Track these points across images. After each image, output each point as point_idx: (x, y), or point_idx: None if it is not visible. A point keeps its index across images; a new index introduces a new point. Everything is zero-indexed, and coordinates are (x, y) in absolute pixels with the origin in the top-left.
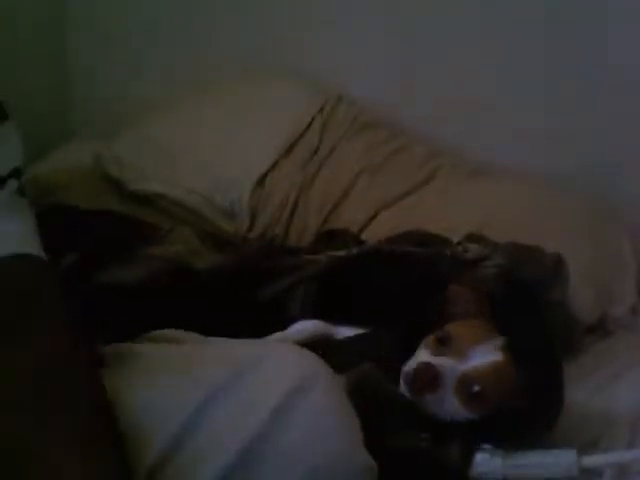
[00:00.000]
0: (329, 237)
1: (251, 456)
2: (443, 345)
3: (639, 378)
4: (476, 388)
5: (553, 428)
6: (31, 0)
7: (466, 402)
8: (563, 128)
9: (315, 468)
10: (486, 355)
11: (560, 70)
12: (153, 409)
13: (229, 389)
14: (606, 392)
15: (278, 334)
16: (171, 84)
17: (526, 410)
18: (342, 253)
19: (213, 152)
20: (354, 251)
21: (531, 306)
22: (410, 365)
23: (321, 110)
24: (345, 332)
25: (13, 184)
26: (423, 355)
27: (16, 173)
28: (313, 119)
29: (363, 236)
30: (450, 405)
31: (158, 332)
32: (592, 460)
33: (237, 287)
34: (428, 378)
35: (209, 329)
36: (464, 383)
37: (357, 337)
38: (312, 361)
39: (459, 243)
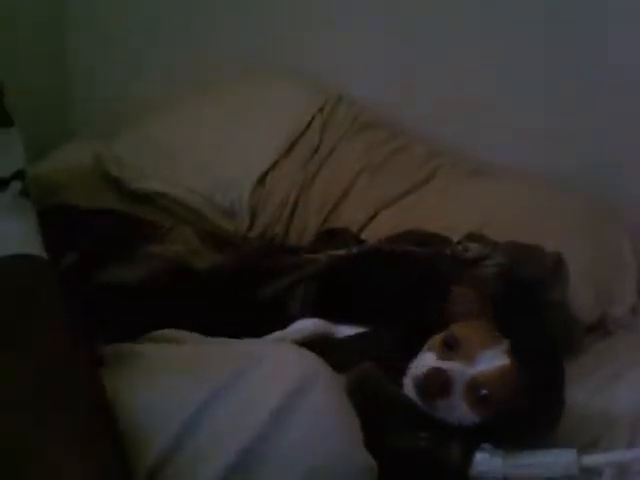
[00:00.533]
0: (329, 236)
1: (251, 456)
2: (450, 348)
3: (639, 378)
4: (484, 392)
5: (554, 428)
6: (31, 0)
7: (474, 406)
8: (563, 128)
9: (315, 468)
10: (493, 359)
11: (560, 70)
12: (153, 409)
13: (229, 389)
14: (606, 392)
15: (278, 333)
16: (171, 84)
17: (527, 410)
18: (342, 252)
19: (213, 152)
20: (354, 250)
21: (531, 306)
22: (419, 370)
23: (321, 110)
24: (345, 331)
25: (17, 185)
26: (430, 358)
27: (19, 175)
28: (313, 119)
29: (363, 235)
30: (459, 410)
31: (158, 332)
32: (592, 460)
33: (237, 286)
34: (440, 384)
35: (209, 329)
36: (472, 387)
37: (357, 336)
38: (312, 361)
39: (459, 242)
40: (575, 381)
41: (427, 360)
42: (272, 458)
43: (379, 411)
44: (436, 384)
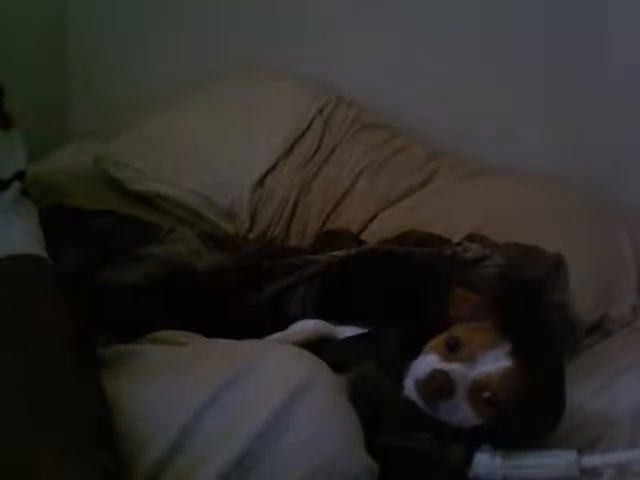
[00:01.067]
0: (329, 237)
1: (251, 457)
2: (452, 350)
3: (639, 378)
4: (486, 394)
5: (554, 429)
6: (31, 1)
7: (476, 408)
8: (563, 128)
9: (315, 469)
10: (496, 361)
11: (560, 70)
12: (153, 411)
13: (230, 390)
14: (606, 392)
15: (278, 334)
16: (171, 85)
17: (528, 411)
18: (342, 253)
19: (213, 153)
20: (354, 251)
21: (532, 306)
22: (422, 371)
23: (321, 111)
24: (345, 332)
25: (17, 186)
26: (432, 360)
27: (20, 176)
28: (313, 120)
29: (363, 236)
30: (461, 411)
31: (158, 333)
32: (592, 460)
33: (237, 287)
34: (442, 386)
35: (209, 329)
36: (475, 389)
37: (357, 337)
38: (312, 362)
39: (459, 243)
40: (575, 382)
41: (429, 362)
42: (272, 459)
43: (379, 412)
44: (439, 386)
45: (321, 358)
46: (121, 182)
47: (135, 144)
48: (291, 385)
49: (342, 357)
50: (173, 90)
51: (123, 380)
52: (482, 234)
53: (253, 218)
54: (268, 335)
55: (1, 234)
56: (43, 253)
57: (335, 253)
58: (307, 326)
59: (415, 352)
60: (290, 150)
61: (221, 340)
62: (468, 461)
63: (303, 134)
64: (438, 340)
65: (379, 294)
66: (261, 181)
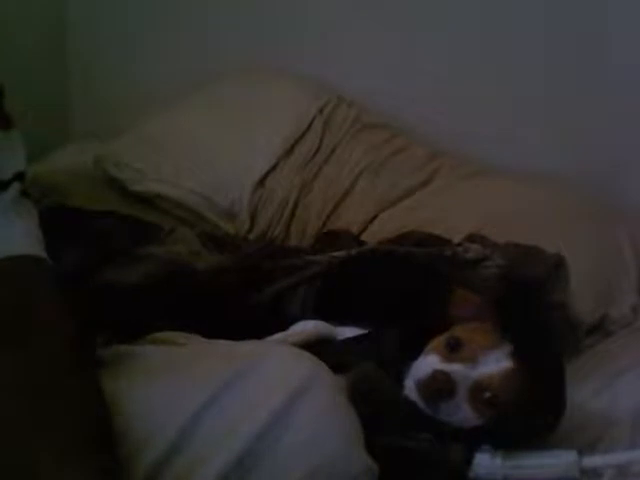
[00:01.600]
0: (329, 238)
1: (251, 457)
2: (453, 350)
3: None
4: (487, 395)
5: (555, 429)
6: (31, 1)
7: (477, 408)
8: (563, 128)
9: (315, 469)
10: (497, 362)
11: (560, 70)
12: (152, 412)
13: (229, 390)
14: (607, 393)
15: (278, 335)
16: (171, 85)
17: (528, 412)
18: (342, 253)
19: (213, 152)
20: (354, 252)
21: (532, 307)
22: (423, 372)
23: (321, 111)
24: (346, 332)
25: (17, 187)
26: (433, 361)
27: (19, 177)
28: (314, 120)
29: (363, 237)
30: (462, 412)
31: (158, 334)
32: (593, 461)
33: (238, 288)
34: (443, 386)
35: (209, 329)
36: (476, 390)
37: (358, 338)
38: (312, 363)
39: (459, 244)
40: (576, 382)
41: (430, 362)
42: (272, 459)
43: (379, 412)
44: (440, 386)
45: (321, 359)
46: (121, 182)
47: (135, 144)
48: (291, 386)
49: (342, 358)
50: (173, 90)
51: (122, 380)
52: (482, 234)
53: (253, 218)
54: (268, 336)
55: (1, 235)
56: (43, 254)
57: (335, 253)
58: (307, 327)
59: (415, 352)
60: (290, 150)
61: (221, 341)
62: (468, 461)
63: (303, 134)
64: (439, 340)
65: (379, 294)
66: (261, 181)
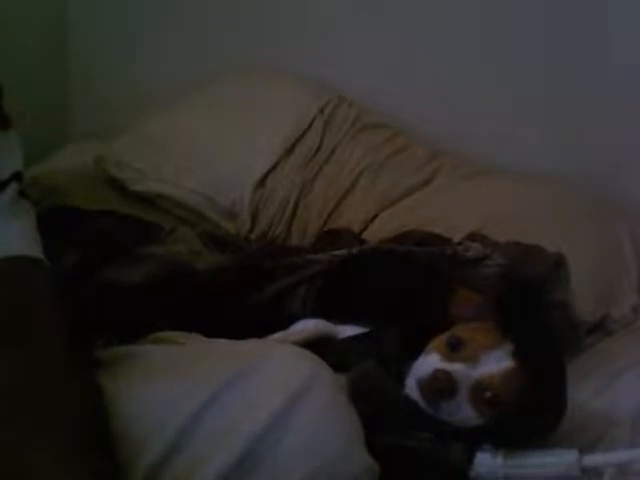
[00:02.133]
0: (330, 237)
1: (251, 458)
2: (454, 350)
3: None
4: (488, 394)
5: (556, 429)
6: (32, 1)
7: (478, 408)
8: (563, 128)
9: (315, 469)
10: (498, 361)
11: (560, 70)
12: (151, 411)
13: (230, 390)
14: (608, 392)
15: (279, 334)
16: (171, 85)
17: (529, 411)
18: (343, 253)
19: (214, 152)
20: (355, 251)
21: (533, 306)
22: (424, 371)
23: (322, 110)
24: (346, 331)
25: (14, 187)
26: (434, 360)
27: (17, 177)
28: (314, 119)
29: (364, 236)
30: (463, 411)
31: (159, 334)
32: (593, 460)
33: (238, 287)
34: (444, 385)
35: (210, 329)
36: (477, 389)
37: (358, 337)
38: (312, 362)
39: (460, 243)
40: (577, 381)
41: (431, 362)
42: (272, 460)
43: (380, 411)
44: (441, 386)
45: (322, 358)
46: (122, 182)
47: (135, 144)
48: (292, 387)
49: (343, 357)
50: (173, 90)
51: (121, 381)
52: (483, 233)
53: (254, 218)
54: (269, 335)
55: None
56: (40, 255)
57: (336, 252)
58: (308, 325)
59: (416, 352)
60: (291, 150)
61: (221, 340)
62: (469, 460)
63: (304, 134)
64: (440, 340)
65: (380, 293)
66: (262, 181)
